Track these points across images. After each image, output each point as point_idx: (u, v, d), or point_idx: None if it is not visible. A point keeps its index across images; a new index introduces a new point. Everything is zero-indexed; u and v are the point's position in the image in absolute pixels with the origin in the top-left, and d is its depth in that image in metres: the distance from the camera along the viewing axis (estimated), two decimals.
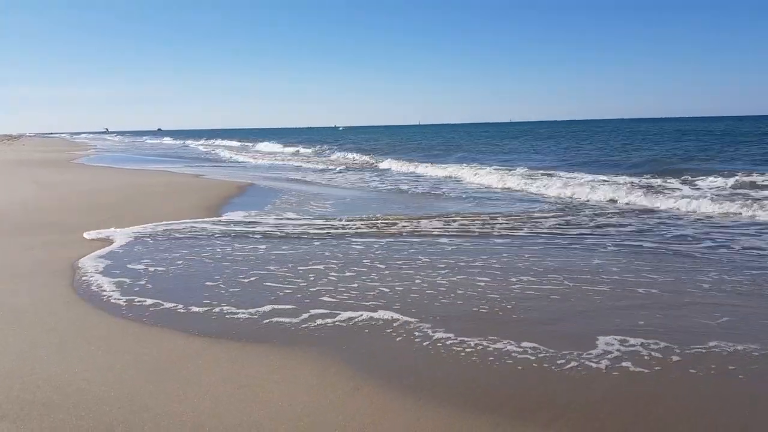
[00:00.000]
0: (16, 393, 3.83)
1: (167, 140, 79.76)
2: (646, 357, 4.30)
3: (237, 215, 11.21)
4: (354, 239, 8.75)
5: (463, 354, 4.42)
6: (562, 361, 4.25)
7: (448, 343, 4.64)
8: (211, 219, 10.75)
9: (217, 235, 9.11)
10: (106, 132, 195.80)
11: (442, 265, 7.06)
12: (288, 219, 10.78)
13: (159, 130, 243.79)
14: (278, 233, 9.28)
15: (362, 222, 10.30)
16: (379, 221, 10.43)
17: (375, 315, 5.32)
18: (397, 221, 10.36)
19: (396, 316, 5.28)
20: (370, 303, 5.65)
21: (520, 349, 4.47)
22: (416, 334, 4.84)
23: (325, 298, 5.81)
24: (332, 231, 9.45)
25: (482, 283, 6.26)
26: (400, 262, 7.25)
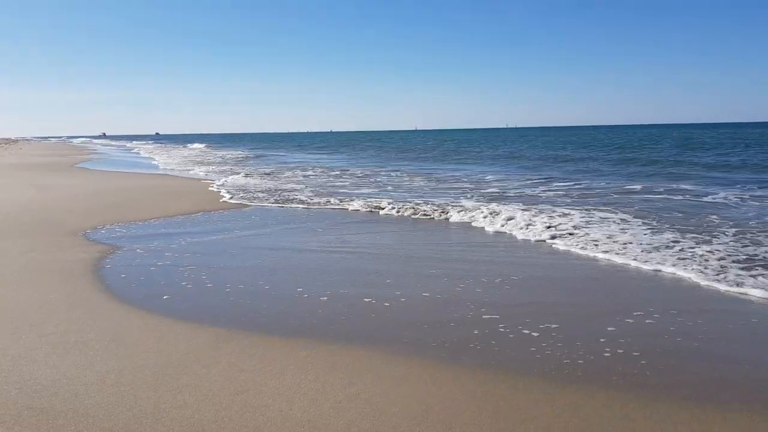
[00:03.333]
0: (14, 398, 3.80)
1: (113, 143, 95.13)
2: None
3: None
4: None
5: (465, 357, 4.41)
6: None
7: (446, 345, 4.63)
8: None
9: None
10: (103, 137, 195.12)
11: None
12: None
13: (157, 134, 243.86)
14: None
15: None
16: None
17: (375, 318, 5.32)
18: None
19: (396, 317, 5.28)
20: (367, 304, 5.65)
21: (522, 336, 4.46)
22: (417, 337, 4.84)
23: (326, 297, 5.80)
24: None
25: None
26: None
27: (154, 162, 34.04)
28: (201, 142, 73.96)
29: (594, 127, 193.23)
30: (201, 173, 24.08)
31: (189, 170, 26.04)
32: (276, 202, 14.08)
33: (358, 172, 24.39)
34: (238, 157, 39.02)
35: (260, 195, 15.39)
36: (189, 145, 65.98)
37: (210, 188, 17.24)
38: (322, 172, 24.42)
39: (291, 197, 14.77)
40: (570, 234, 9.02)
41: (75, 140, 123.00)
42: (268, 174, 23.21)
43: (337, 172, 24.09)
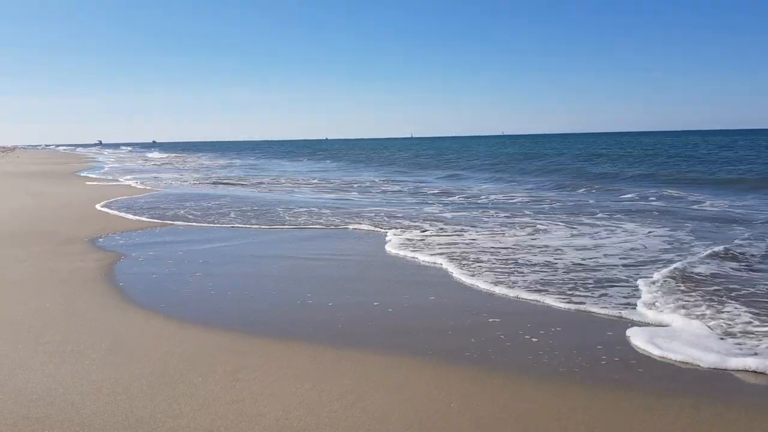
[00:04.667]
0: (10, 407, 3.77)
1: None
2: None
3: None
4: None
5: (465, 362, 4.41)
6: None
7: (446, 350, 4.63)
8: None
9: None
10: (99, 144, 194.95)
11: None
12: None
13: (153, 142, 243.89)
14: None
15: None
16: None
17: (373, 323, 5.31)
18: None
19: (395, 323, 5.27)
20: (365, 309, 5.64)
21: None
22: (417, 344, 4.83)
23: (319, 305, 5.79)
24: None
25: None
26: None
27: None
28: (197, 151, 74.99)
29: (591, 135, 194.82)
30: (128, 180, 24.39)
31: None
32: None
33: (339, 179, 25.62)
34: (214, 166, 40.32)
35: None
36: (148, 153, 71.85)
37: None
38: (304, 180, 24.85)
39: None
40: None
41: (60, 148, 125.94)
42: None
43: (315, 180, 25.25)
